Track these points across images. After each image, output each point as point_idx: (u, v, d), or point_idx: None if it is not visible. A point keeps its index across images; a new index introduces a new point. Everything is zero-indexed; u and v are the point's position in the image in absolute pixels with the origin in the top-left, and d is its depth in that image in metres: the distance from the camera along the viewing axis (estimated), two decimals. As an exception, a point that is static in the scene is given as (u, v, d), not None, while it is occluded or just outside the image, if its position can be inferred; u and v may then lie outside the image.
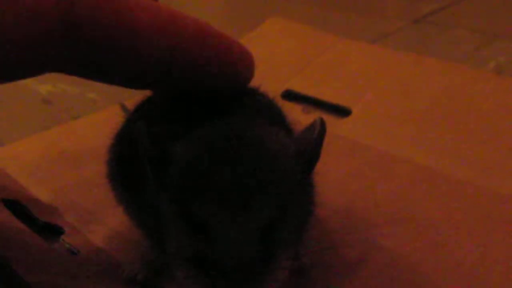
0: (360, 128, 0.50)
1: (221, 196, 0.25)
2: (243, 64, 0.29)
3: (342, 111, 0.53)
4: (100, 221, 0.41)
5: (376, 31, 0.82)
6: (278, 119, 0.33)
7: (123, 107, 0.51)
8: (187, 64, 0.27)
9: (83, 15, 0.23)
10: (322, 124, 0.29)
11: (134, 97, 0.59)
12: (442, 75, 0.54)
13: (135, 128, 0.28)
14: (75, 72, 0.25)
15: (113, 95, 0.61)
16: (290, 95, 0.56)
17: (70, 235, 0.40)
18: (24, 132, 0.55)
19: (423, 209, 0.40)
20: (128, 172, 0.33)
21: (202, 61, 0.27)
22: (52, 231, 0.40)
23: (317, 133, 0.28)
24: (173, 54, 0.26)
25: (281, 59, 0.62)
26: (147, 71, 0.26)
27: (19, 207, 0.41)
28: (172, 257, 0.28)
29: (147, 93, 0.37)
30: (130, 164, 0.32)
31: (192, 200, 0.26)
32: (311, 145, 0.28)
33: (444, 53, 0.73)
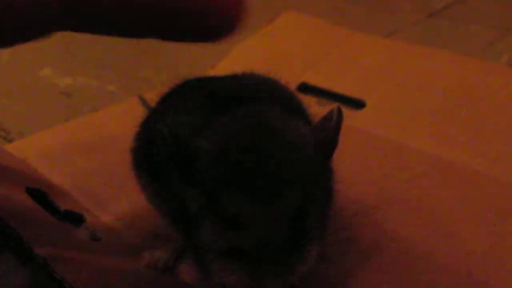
0: (374, 120, 0.51)
1: (250, 188, 0.26)
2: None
3: (356, 104, 0.54)
4: (121, 209, 0.43)
5: (390, 25, 0.82)
6: (297, 110, 0.33)
7: (142, 100, 0.52)
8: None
9: None
10: (339, 112, 0.29)
11: (152, 89, 0.60)
12: (455, 68, 0.55)
13: (158, 131, 0.28)
14: (77, 27, 0.26)
15: (131, 88, 0.63)
16: (305, 88, 0.56)
17: (92, 222, 0.41)
18: (45, 124, 0.56)
19: (436, 198, 0.41)
20: (153, 162, 0.34)
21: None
22: (73, 218, 0.41)
23: (335, 121, 0.29)
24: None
25: (296, 53, 0.63)
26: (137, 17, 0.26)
27: (42, 195, 0.42)
28: (205, 251, 0.28)
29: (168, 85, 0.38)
30: (156, 154, 0.32)
31: (221, 193, 0.26)
32: (331, 132, 0.29)
33: (458, 47, 0.73)
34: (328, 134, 0.29)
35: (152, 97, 0.56)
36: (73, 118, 0.57)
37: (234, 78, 0.36)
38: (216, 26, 0.28)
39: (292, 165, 0.27)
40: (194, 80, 0.37)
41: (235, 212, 0.26)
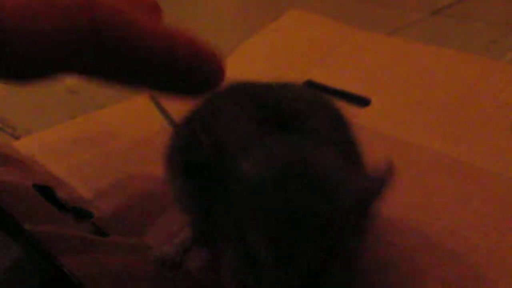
0: (379, 118, 0.51)
1: (276, 231, 0.25)
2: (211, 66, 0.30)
3: (361, 101, 0.54)
4: (128, 205, 0.43)
5: (394, 22, 0.82)
6: (345, 140, 0.32)
7: (154, 99, 0.53)
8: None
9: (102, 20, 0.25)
10: (391, 166, 0.28)
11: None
12: (460, 66, 0.55)
13: (202, 138, 0.28)
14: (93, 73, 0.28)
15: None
16: (311, 86, 0.57)
17: (99, 218, 0.41)
18: (52, 121, 0.56)
19: (441, 195, 0.41)
20: (189, 164, 0.33)
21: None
22: (81, 214, 0.42)
23: (384, 173, 0.28)
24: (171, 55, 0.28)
25: (301, 51, 0.63)
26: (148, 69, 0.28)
27: (50, 191, 0.43)
28: (225, 279, 0.28)
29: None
30: (194, 156, 0.31)
31: (248, 226, 0.26)
32: (377, 184, 0.28)
33: (461, 45, 0.73)
34: (374, 186, 0.28)
35: (156, 95, 0.56)
36: (79, 115, 0.57)
37: (286, 90, 0.35)
38: (211, 84, 0.30)
39: (324, 216, 0.25)
40: (244, 85, 0.35)
41: (255, 249, 0.25)
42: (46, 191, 0.43)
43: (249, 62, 0.63)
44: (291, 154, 0.27)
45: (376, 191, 0.28)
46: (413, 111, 0.51)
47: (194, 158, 0.31)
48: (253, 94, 0.33)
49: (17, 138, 0.53)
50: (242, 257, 0.26)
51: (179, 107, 0.51)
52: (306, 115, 0.30)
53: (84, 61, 0.26)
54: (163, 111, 0.53)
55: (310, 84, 0.57)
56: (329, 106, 0.34)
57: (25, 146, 0.50)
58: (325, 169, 0.27)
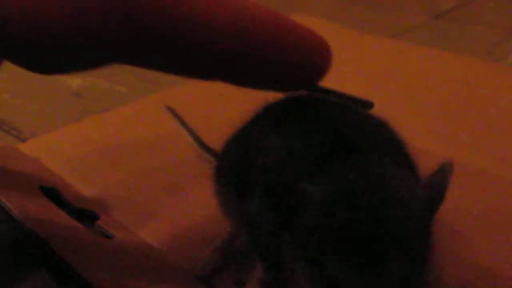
0: (382, 121, 0.51)
1: (356, 254, 0.24)
2: (316, 55, 0.27)
3: (364, 105, 0.54)
4: (133, 207, 0.43)
5: (396, 26, 0.83)
6: (404, 157, 0.32)
7: (171, 110, 0.53)
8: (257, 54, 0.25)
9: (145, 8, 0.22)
10: (451, 168, 0.29)
11: (161, 90, 0.61)
12: (462, 69, 0.55)
13: (262, 156, 0.27)
14: (136, 61, 0.25)
15: (141, 89, 0.63)
16: (313, 89, 0.57)
17: (104, 220, 0.41)
18: (57, 124, 0.57)
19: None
20: (245, 182, 0.31)
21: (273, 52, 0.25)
22: (87, 217, 0.42)
23: (446, 178, 0.28)
24: (243, 44, 0.24)
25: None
26: (212, 61, 0.25)
27: (56, 193, 0.43)
28: None
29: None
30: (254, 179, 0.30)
31: (324, 253, 0.25)
32: (441, 189, 0.28)
33: (464, 48, 0.74)
34: (438, 191, 0.28)
35: (160, 98, 0.57)
36: (84, 118, 0.57)
37: (354, 113, 0.34)
38: (308, 78, 0.27)
39: (403, 233, 0.25)
40: (309, 100, 0.34)
41: (336, 277, 0.24)
42: (52, 193, 0.43)
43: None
44: (352, 173, 0.26)
45: (441, 197, 0.28)
46: (415, 115, 0.51)
47: (254, 178, 0.29)
48: (321, 115, 0.32)
49: (22, 141, 0.54)
50: (316, 280, 0.25)
51: (195, 114, 0.51)
52: (357, 137, 0.29)
53: (127, 52, 0.23)
54: (179, 118, 0.53)
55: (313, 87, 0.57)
56: (384, 125, 0.34)
57: (30, 148, 0.51)
58: (394, 184, 0.26)
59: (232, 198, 0.33)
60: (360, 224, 0.24)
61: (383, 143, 0.30)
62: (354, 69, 0.59)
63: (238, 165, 0.32)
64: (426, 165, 0.45)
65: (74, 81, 0.66)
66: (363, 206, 0.25)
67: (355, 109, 0.34)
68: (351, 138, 0.29)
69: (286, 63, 0.26)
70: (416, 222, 0.25)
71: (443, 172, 0.28)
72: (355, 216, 0.24)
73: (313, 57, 0.27)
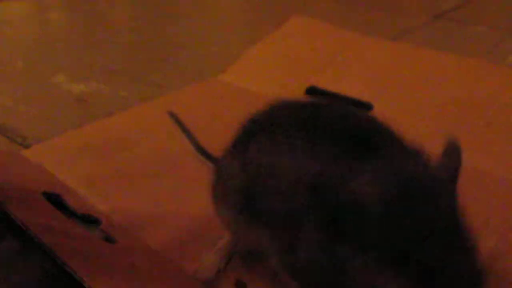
0: (381, 123, 0.51)
1: (443, 240, 0.25)
2: None
3: (364, 106, 0.54)
4: (135, 211, 0.44)
5: (397, 27, 0.83)
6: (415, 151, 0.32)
7: (173, 116, 0.53)
8: None
9: None
10: (459, 149, 0.30)
11: (163, 94, 0.61)
12: (461, 70, 0.55)
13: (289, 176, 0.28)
14: None
15: (142, 93, 0.64)
16: (314, 91, 0.57)
17: (107, 225, 0.42)
18: (60, 129, 0.57)
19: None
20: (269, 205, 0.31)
21: None
22: (89, 221, 0.42)
23: (456, 159, 0.30)
24: None
25: (305, 57, 0.64)
26: None
27: (59, 199, 0.43)
28: None
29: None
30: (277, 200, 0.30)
31: (415, 247, 0.25)
32: (454, 171, 0.29)
33: (464, 48, 0.74)
34: (452, 173, 0.29)
35: (162, 102, 0.57)
36: (87, 123, 0.58)
37: (365, 119, 0.33)
38: None
39: (457, 213, 0.27)
40: (325, 108, 0.33)
41: (430, 265, 0.25)
42: (55, 199, 0.43)
43: (253, 68, 0.63)
44: (398, 172, 0.27)
45: (455, 177, 0.29)
46: (415, 116, 0.51)
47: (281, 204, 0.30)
48: (339, 123, 0.31)
49: (26, 147, 0.54)
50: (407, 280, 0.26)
51: (196, 117, 0.51)
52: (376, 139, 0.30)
53: None
54: (180, 124, 0.53)
55: (313, 89, 0.57)
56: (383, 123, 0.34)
57: (34, 154, 0.51)
58: (428, 178, 0.27)
59: (244, 219, 0.33)
60: (427, 212, 0.26)
61: (391, 139, 0.32)
62: (355, 71, 0.60)
63: (250, 190, 0.32)
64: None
65: (76, 86, 0.66)
66: (420, 196, 0.26)
67: (356, 111, 0.35)
68: (367, 137, 0.30)
69: None
70: (453, 196, 0.28)
71: (450, 153, 0.30)
72: (421, 207, 0.26)
73: None
